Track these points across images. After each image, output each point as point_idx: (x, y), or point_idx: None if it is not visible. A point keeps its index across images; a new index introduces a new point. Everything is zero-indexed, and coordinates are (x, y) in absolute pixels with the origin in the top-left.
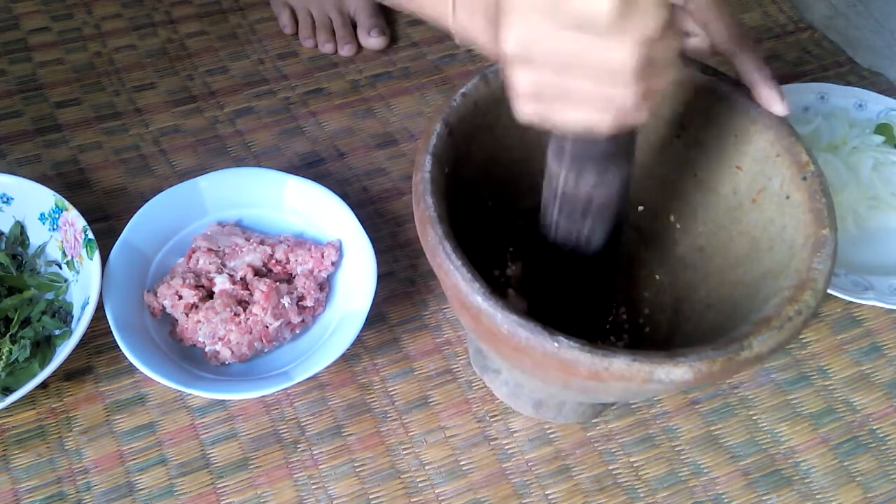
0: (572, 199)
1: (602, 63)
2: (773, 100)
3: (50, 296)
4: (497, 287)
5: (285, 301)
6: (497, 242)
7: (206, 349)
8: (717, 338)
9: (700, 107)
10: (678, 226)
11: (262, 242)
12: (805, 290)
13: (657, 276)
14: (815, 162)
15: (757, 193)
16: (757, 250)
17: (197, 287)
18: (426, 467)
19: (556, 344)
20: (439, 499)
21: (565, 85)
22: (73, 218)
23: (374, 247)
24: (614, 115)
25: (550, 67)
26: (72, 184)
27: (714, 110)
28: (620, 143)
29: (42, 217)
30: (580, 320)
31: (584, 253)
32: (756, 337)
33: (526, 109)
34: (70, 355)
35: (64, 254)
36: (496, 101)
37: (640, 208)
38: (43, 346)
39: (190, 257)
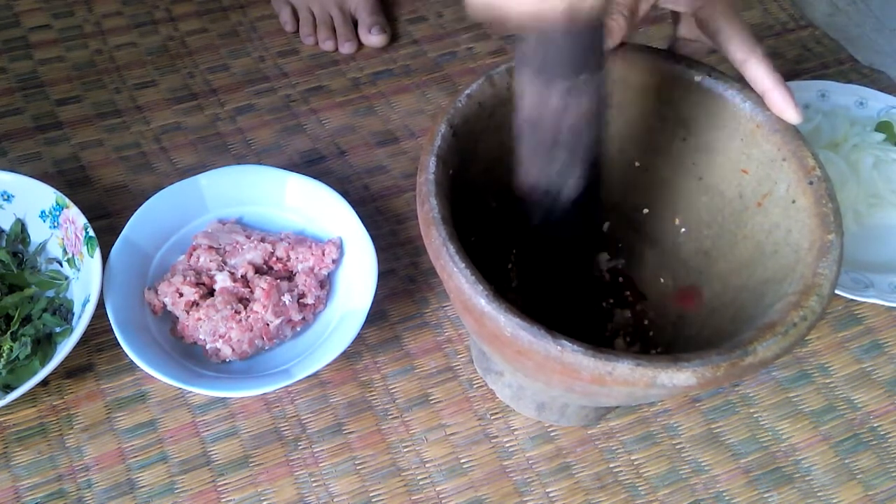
0: (541, 122)
1: None
2: (786, 106)
3: (51, 293)
4: (500, 289)
5: (286, 299)
6: (501, 244)
7: (207, 347)
8: (721, 342)
9: (706, 110)
10: (683, 229)
11: (262, 240)
12: (810, 295)
13: (661, 279)
14: (821, 166)
15: (762, 197)
16: (762, 254)
17: (198, 285)
18: (427, 465)
19: (559, 347)
20: (440, 496)
21: None
22: (74, 215)
23: (374, 244)
24: (563, 1)
25: None
26: (72, 181)
27: (720, 113)
28: (584, 45)
29: (43, 214)
30: (578, 313)
31: (562, 203)
32: (760, 343)
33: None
34: (71, 353)
35: (65, 251)
36: (501, 103)
37: (645, 211)
38: (44, 344)
39: (191, 255)
